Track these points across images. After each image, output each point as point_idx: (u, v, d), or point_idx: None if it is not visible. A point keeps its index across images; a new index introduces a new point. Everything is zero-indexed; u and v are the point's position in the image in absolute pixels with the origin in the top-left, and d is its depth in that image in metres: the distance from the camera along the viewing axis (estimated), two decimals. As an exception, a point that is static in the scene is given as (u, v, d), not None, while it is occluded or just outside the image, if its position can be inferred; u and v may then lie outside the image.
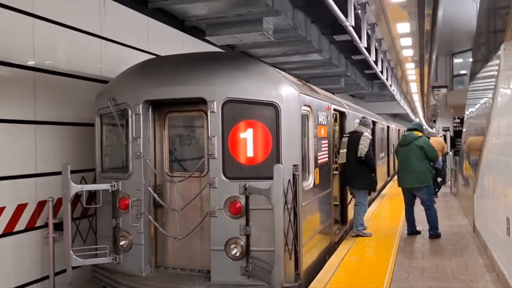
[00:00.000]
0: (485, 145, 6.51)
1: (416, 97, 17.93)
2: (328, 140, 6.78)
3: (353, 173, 7.53)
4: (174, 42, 9.03)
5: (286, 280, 5.06)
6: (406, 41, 8.83)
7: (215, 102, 5.12)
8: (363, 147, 7.36)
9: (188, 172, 5.53)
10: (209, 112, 5.12)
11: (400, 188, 7.99)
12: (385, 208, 10.51)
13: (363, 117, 8.51)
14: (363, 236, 7.54)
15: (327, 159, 6.69)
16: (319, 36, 12.06)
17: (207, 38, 9.45)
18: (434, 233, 7.55)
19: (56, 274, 5.85)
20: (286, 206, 4.95)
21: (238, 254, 5.07)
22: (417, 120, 31.79)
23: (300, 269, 5.22)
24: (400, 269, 5.74)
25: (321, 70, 15.70)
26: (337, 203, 8.50)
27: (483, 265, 5.89)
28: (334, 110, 7.45)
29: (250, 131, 5.13)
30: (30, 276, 5.83)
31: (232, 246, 5.10)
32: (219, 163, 5.14)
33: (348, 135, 7.76)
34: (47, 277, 5.89)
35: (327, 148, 6.67)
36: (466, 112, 10.19)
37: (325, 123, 6.60)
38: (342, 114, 8.37)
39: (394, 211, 9.82)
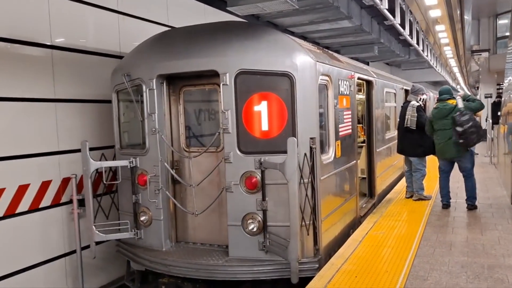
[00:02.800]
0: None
1: (453, 63, 16.92)
2: (352, 111, 6.48)
3: (405, 141, 7.80)
4: (195, 14, 8.85)
5: (306, 255, 4.98)
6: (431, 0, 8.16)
7: (227, 75, 4.96)
8: (409, 117, 7.58)
9: (205, 148, 5.45)
10: (221, 85, 4.97)
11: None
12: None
13: (413, 85, 8.21)
14: (424, 200, 7.89)
15: (350, 131, 6.41)
16: (348, 1, 11.48)
17: (228, 8, 9.20)
18: (472, 203, 7.19)
19: (82, 248, 6.04)
20: (302, 181, 4.80)
21: (255, 230, 4.99)
22: (458, 86, 30.23)
23: (320, 245, 5.10)
24: (427, 244, 5.49)
25: (353, 38, 15.04)
26: (365, 176, 8.26)
27: (518, 239, 5.55)
28: (359, 79, 7.10)
29: (264, 104, 4.95)
30: (58, 251, 6.04)
31: (249, 221, 5.03)
32: (234, 137, 5.01)
33: (402, 105, 8.11)
34: (74, 252, 6.09)
35: (350, 120, 6.39)
36: (505, 79, 9.50)
37: (348, 93, 6.30)
38: (369, 83, 7.99)
39: (426, 185, 9.43)
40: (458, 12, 9.05)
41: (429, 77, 28.18)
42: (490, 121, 13.48)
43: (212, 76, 5.15)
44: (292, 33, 13.51)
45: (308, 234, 4.91)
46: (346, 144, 6.22)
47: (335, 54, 6.72)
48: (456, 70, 19.45)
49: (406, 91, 11.24)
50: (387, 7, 8.52)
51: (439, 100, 7.37)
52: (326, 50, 6.51)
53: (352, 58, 14.60)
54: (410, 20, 10.47)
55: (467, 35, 15.62)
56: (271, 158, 4.85)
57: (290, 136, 4.81)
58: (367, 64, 19.52)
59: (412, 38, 11.30)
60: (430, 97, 19.97)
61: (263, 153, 4.94)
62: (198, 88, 5.58)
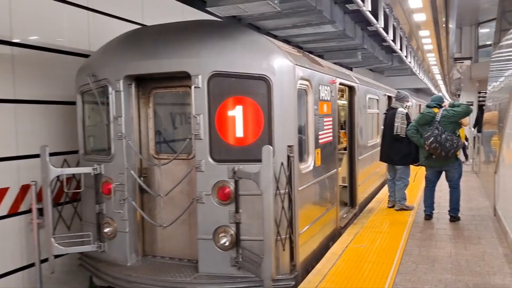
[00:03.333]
0: (508, 120, 5.83)
1: (436, 70, 16.88)
2: (333, 118, 6.19)
3: (391, 149, 7.63)
4: (172, 14, 8.47)
5: (281, 272, 4.65)
6: (416, 3, 7.96)
7: (199, 77, 4.61)
8: (399, 124, 7.45)
9: (175, 155, 5.07)
10: (193, 87, 4.62)
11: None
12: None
13: (398, 92, 8.02)
14: (406, 210, 7.68)
15: (331, 138, 6.12)
16: (331, 5, 11.26)
17: (208, 9, 8.86)
18: (455, 215, 6.97)
19: (42, 261, 5.57)
20: (278, 192, 4.47)
21: (227, 244, 4.64)
22: (440, 94, 30.50)
23: (296, 260, 4.77)
24: (409, 259, 5.22)
25: (336, 43, 14.85)
26: (346, 184, 7.98)
27: (502, 254, 5.31)
28: (341, 84, 6.83)
29: (239, 109, 4.61)
30: (15, 264, 5.55)
31: (221, 235, 4.67)
32: (206, 144, 4.66)
33: (385, 111, 7.98)
34: (33, 265, 5.62)
35: (331, 126, 6.10)
36: (489, 87, 9.39)
37: (329, 98, 6.01)
38: (351, 89, 7.73)
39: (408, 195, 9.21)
40: (444, 19, 8.90)
41: (412, 84, 28.27)
42: (473, 129, 13.41)
43: (184, 78, 4.79)
44: (275, 37, 13.23)
45: (284, 249, 4.58)
46: (326, 152, 5.93)
47: (316, 58, 6.43)
48: (438, 77, 19.47)
49: (389, 98, 11.08)
50: (369, 9, 8.29)
51: (427, 106, 7.18)
52: (307, 53, 6.22)
53: (335, 63, 14.37)
54: (393, 25, 10.27)
55: (451, 43, 15.61)
56: (246, 167, 4.52)
57: (266, 143, 4.50)
58: (351, 69, 19.40)
59: (395, 44, 11.11)
60: (413, 104, 19.98)
61: (237, 162, 4.60)
62: (170, 91, 5.22)
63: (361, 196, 8.16)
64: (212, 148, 4.66)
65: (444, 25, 9.24)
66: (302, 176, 5.00)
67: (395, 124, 7.53)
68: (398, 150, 7.58)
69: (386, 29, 10.94)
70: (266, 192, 4.15)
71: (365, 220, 7.19)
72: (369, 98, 8.94)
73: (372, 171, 9.26)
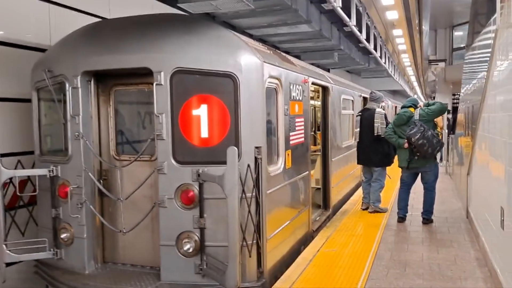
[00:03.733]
0: (479, 122, 5.76)
1: (411, 71, 17.02)
2: (305, 118, 6.01)
3: (369, 151, 7.53)
4: (142, 9, 8.10)
5: (247, 280, 4.42)
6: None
7: (162, 73, 4.34)
8: (379, 124, 7.35)
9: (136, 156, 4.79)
10: (154, 84, 4.35)
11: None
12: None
13: (372, 92, 7.92)
14: (380, 212, 7.59)
15: (303, 139, 5.94)
16: (307, 4, 11.12)
17: (179, 5, 8.58)
18: (428, 218, 6.90)
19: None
20: (244, 195, 4.25)
21: (191, 250, 4.39)
22: (415, 96, 30.88)
23: (264, 267, 4.56)
24: (380, 264, 5.07)
25: (312, 43, 14.75)
26: (319, 186, 7.83)
27: (474, 258, 5.22)
28: (314, 84, 6.66)
29: (204, 108, 4.37)
30: (-36, 272, 5.17)
31: (185, 241, 4.41)
32: (168, 145, 4.40)
33: (360, 113, 7.80)
34: (-15, 273, 5.24)
35: (303, 127, 5.92)
36: (462, 89, 9.41)
37: (300, 98, 5.82)
38: (325, 89, 7.58)
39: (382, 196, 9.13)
40: (417, 19, 8.86)
41: (388, 86, 28.54)
42: (446, 131, 13.51)
43: (146, 74, 4.50)
44: (251, 36, 13.03)
45: (250, 256, 4.36)
46: (298, 153, 5.74)
47: (288, 57, 6.24)
48: (413, 79, 19.64)
49: (365, 99, 11.01)
50: (340, 5, 8.17)
51: (402, 107, 7.10)
52: (278, 51, 6.02)
53: (312, 64, 14.28)
54: (367, 23, 10.17)
55: (425, 45, 15.72)
56: (211, 169, 4.27)
57: (232, 144, 4.26)
58: (328, 71, 19.37)
59: (369, 43, 11.04)
60: (389, 105, 20.08)
61: (202, 164, 4.36)
62: (131, 88, 4.93)
63: (335, 198, 8.02)
64: (175, 149, 4.40)
65: (417, 27, 9.20)
66: (271, 179, 4.79)
67: (375, 124, 7.43)
68: (378, 151, 7.49)
69: (360, 28, 10.88)
70: (231, 196, 3.91)
71: (338, 222, 7.04)
72: (343, 98, 8.82)
73: (346, 173, 9.14)
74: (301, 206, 6.01)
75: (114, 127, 4.97)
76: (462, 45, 19.61)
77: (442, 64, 18.32)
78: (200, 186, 4.33)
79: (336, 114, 8.09)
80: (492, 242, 4.71)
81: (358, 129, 7.83)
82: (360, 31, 11.58)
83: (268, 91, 4.77)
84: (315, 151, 9.29)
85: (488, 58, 5.10)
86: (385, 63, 15.20)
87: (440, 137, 6.92)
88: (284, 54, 6.15)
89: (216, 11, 10.08)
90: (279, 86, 5.04)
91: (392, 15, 8.28)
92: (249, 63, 4.39)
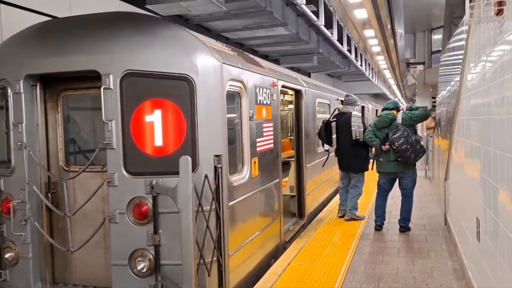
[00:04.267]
0: (455, 125, 5.52)
1: (388, 74, 16.91)
2: (274, 123, 5.69)
3: (348, 156, 7.27)
4: (106, 11, 7.74)
5: (208, 300, 4.05)
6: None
7: (111, 76, 3.98)
8: (356, 128, 7.08)
9: (88, 166, 4.40)
10: (102, 88, 3.98)
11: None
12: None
13: (347, 95, 7.62)
14: (356, 220, 7.33)
15: (272, 145, 5.61)
16: (283, 6, 10.85)
17: (148, 7, 8.20)
18: (405, 226, 6.63)
19: None
20: (201, 209, 3.89)
21: (145, 270, 4.01)
22: (396, 99, 30.95)
23: (226, 286, 4.20)
24: (353, 278, 4.76)
25: (291, 46, 14.49)
26: (294, 194, 7.52)
27: (451, 270, 4.95)
28: (284, 87, 6.35)
29: (157, 113, 4.00)
30: None
31: (138, 259, 4.03)
32: (119, 154, 4.02)
33: (335, 118, 7.47)
34: None
35: (271, 133, 5.59)
36: (439, 92, 9.23)
37: (268, 102, 5.50)
38: (298, 93, 7.28)
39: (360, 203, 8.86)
40: (388, 19, 8.64)
41: (369, 89, 28.54)
42: (425, 133, 13.37)
43: (96, 78, 4.11)
44: (227, 39, 12.71)
45: (209, 275, 3.99)
46: (266, 160, 5.41)
47: (256, 59, 5.92)
48: (392, 82, 19.57)
49: (343, 102, 10.77)
50: (304, 2, 7.90)
51: (383, 109, 6.81)
52: (242, 52, 5.69)
53: (291, 68, 14.02)
54: (337, 21, 9.91)
55: (401, 47, 15.62)
56: (166, 181, 3.92)
57: (189, 153, 3.93)
58: (309, 75, 19.16)
59: (342, 45, 10.79)
60: (369, 109, 19.96)
61: (156, 174, 3.99)
62: (81, 93, 4.54)
63: (310, 206, 7.71)
64: (126, 159, 4.03)
65: (389, 26, 8.99)
66: (233, 189, 4.45)
67: (353, 128, 7.14)
68: (358, 156, 7.22)
69: (330, 26, 10.64)
70: (184, 211, 3.55)
71: (313, 232, 6.73)
72: (319, 102, 8.55)
73: (323, 179, 8.84)
74: (272, 216, 5.67)
75: (63, 136, 4.56)
76: (440, 48, 19.66)
77: (420, 67, 18.29)
78: (154, 199, 3.96)
79: (310, 118, 7.80)
80: (469, 254, 4.44)
81: (335, 135, 7.52)
82: (334, 34, 11.39)
83: (230, 95, 4.44)
84: (291, 157, 8.97)
85: (461, 60, 4.87)
86: (361, 65, 15.03)
87: (421, 142, 6.68)
88: (250, 56, 5.83)
89: (187, 13, 9.75)
90: (242, 90, 4.71)
91: (361, 14, 8.05)
92: (206, 64, 4.05)
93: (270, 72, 5.79)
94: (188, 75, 3.96)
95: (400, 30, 10.11)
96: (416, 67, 18.14)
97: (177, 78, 3.97)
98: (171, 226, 3.98)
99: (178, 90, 4.00)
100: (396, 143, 6.19)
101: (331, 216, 7.77)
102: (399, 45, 12.27)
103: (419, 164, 13.77)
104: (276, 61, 15.41)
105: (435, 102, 20.64)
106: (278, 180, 5.88)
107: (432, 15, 18.21)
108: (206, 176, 3.95)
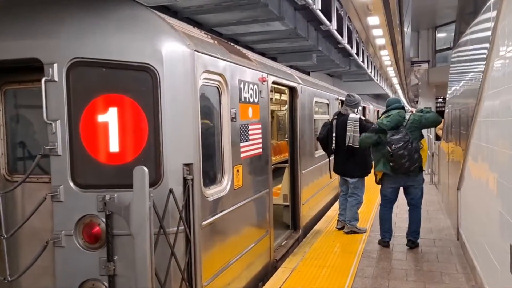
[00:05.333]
0: (474, 129, 4.75)
1: (393, 72, 16.15)
2: (263, 125, 4.92)
3: (345, 161, 6.60)
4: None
5: None
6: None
7: (55, 66, 3.22)
8: (351, 133, 6.34)
9: (36, 176, 3.64)
10: (43, 81, 3.21)
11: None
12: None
13: (348, 95, 6.83)
14: (357, 233, 6.58)
15: (260, 150, 4.84)
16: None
17: (129, -4, 7.45)
18: (415, 240, 5.86)
19: None
20: (163, 232, 3.13)
21: (97, 305, 3.24)
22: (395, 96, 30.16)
23: (198, 324, 3.43)
24: (354, 311, 3.99)
25: (288, 43, 13.63)
26: (288, 203, 6.74)
27: (470, 299, 4.19)
28: (276, 83, 5.58)
29: (113, 112, 3.24)
30: None
31: (89, 292, 3.27)
32: (65, 162, 3.26)
33: (335, 117, 6.69)
34: None
35: (259, 136, 4.82)
36: (449, 91, 8.45)
37: (256, 100, 4.74)
38: (293, 90, 6.51)
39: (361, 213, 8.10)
40: (397, 6, 7.86)
41: (371, 90, 27.76)
42: (431, 136, 12.59)
43: (42, 68, 3.37)
44: (220, 35, 11.91)
45: (175, 313, 3.23)
46: (252, 168, 4.65)
47: (244, 50, 5.15)
48: (395, 81, 18.80)
49: (343, 102, 9.99)
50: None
51: (390, 109, 5.97)
52: (225, 41, 4.92)
53: (290, 66, 13.22)
54: (336, 7, 9.11)
55: (407, 46, 14.85)
56: (122, 196, 3.16)
57: (152, 161, 3.21)
58: (308, 74, 18.39)
59: (342, 37, 9.99)
60: (371, 109, 19.21)
61: (111, 188, 3.23)
62: (27, 87, 3.77)
63: (306, 216, 6.94)
64: (74, 168, 3.27)
65: (397, 13, 8.20)
66: (209, 205, 3.67)
67: (347, 133, 6.39)
68: (356, 159, 6.49)
69: (329, 17, 9.85)
70: (139, 236, 2.80)
71: (308, 248, 5.95)
72: (316, 101, 7.78)
73: (320, 185, 8.07)
74: (259, 232, 4.90)
75: (6, 139, 3.80)
76: (445, 47, 18.88)
77: (425, 66, 17.51)
78: (108, 218, 3.19)
79: (307, 119, 7.03)
80: (496, 285, 3.65)
81: (335, 135, 6.74)
82: (341, 34, 10.62)
83: (205, 90, 3.68)
84: (285, 162, 8.20)
85: (485, 52, 4.10)
86: (362, 61, 14.25)
87: (426, 147, 5.87)
88: (237, 47, 5.06)
89: (175, 4, 9.00)
90: (222, 84, 3.94)
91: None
92: (173, 52, 3.28)
93: (259, 66, 5.02)
94: (150, 65, 3.20)
95: (408, 19, 9.28)
96: (420, 65, 17.35)
97: (136, 69, 3.21)
98: (129, 251, 3.20)
99: (137, 84, 3.24)
100: (393, 146, 5.45)
101: (329, 227, 7.00)
102: (405, 41, 11.48)
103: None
104: (273, 59, 14.64)
105: (439, 102, 19.88)
106: (267, 190, 5.11)
107: (437, 12, 17.47)
108: (171, 191, 3.18)
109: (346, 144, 6.41)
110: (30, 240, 3.69)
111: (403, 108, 5.97)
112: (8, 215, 3.80)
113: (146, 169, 2.81)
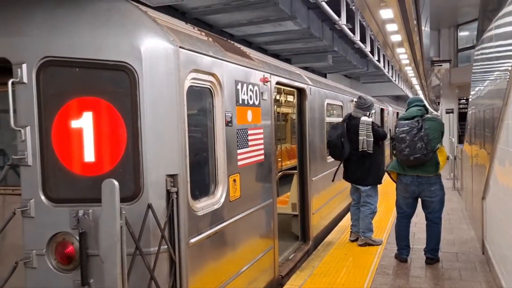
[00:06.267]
0: (501, 132, 4.25)
1: (412, 73, 15.51)
2: (265, 129, 4.52)
3: (356, 168, 6.16)
4: None
5: None
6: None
7: (24, 66, 2.90)
8: (364, 137, 5.91)
9: (11, 187, 3.33)
10: (10, 82, 2.88)
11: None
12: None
13: (359, 98, 6.39)
14: (372, 245, 6.10)
15: (262, 157, 4.44)
16: (291, -3, 9.66)
17: (134, -4, 7.16)
18: (434, 257, 5.35)
19: None
20: (140, 253, 2.75)
21: (71, 334, 2.89)
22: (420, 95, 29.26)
23: None
24: None
25: (302, 44, 13.25)
26: (297, 213, 6.31)
27: (499, 327, 3.68)
28: (280, 84, 5.17)
29: (87, 117, 2.89)
30: None
31: (62, 319, 2.92)
32: (36, 173, 2.93)
33: (346, 120, 6.25)
34: None
35: (261, 142, 4.42)
36: (472, 91, 7.89)
37: (257, 103, 4.33)
38: (301, 92, 6.08)
39: (377, 222, 7.61)
40: (413, 8, 7.36)
41: (390, 91, 27.02)
42: (453, 139, 11.96)
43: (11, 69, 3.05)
44: (231, 36, 11.60)
45: None
46: (253, 177, 4.25)
47: (244, 48, 4.75)
48: (414, 81, 18.10)
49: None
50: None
51: (411, 107, 5.45)
52: (225, 39, 4.53)
53: (305, 68, 12.79)
54: (347, 2, 8.66)
55: (426, 45, 14.21)
56: (98, 211, 2.79)
57: (131, 171, 2.86)
58: (325, 75, 17.90)
59: (354, 34, 9.48)
60: (390, 111, 18.58)
61: (86, 202, 2.87)
62: (2, 90, 3.46)
63: (316, 227, 6.48)
64: (46, 179, 2.93)
65: (414, 13, 7.69)
66: (199, 220, 3.28)
67: (360, 137, 5.93)
68: (367, 165, 6.03)
69: (352, 26, 9.39)
70: (108, 260, 2.43)
71: (318, 262, 5.50)
72: (328, 103, 7.32)
73: (333, 193, 7.59)
74: (262, 247, 4.48)
75: (-20, 146, 3.51)
76: (468, 45, 18.11)
77: (446, 65, 16.78)
78: (81, 236, 2.83)
79: (317, 122, 6.59)
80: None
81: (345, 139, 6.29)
82: (354, 31, 10.14)
83: (194, 91, 3.30)
84: (293, 168, 7.78)
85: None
86: (378, 60, 13.72)
87: (445, 154, 5.34)
88: (236, 44, 4.67)
89: (182, 5, 8.73)
90: (215, 85, 3.56)
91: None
92: (154, 48, 2.91)
93: (261, 65, 4.61)
94: (127, 63, 2.84)
95: (426, 14, 8.71)
96: (441, 65, 16.65)
97: (112, 68, 2.86)
98: (106, 273, 2.84)
99: (114, 85, 2.89)
100: (397, 129, 5.13)
101: (342, 238, 6.53)
102: (423, 39, 10.90)
103: (444, 172, 12.36)
104: (287, 61, 14.25)
105: (462, 104, 19.10)
106: (271, 200, 4.69)
107: (459, 10, 16.76)
108: (149, 206, 2.80)
109: (360, 150, 5.96)
110: (7, 258, 3.37)
111: (424, 106, 5.47)
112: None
113: (116, 182, 2.45)
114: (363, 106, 6.23)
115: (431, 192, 5.21)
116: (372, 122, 6.02)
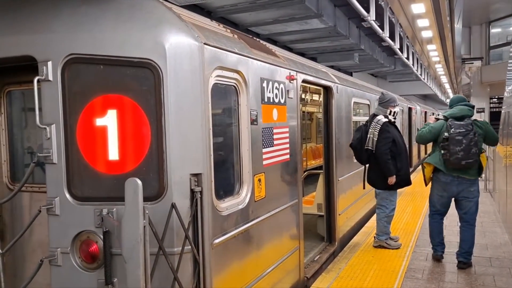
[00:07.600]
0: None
1: (441, 71, 15.07)
2: (291, 128, 4.42)
3: (370, 169, 6.01)
4: None
5: None
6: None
7: (49, 64, 2.89)
8: (371, 136, 5.68)
9: (38, 185, 3.36)
10: (35, 81, 2.88)
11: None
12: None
13: (381, 93, 6.17)
14: (388, 248, 5.90)
15: (288, 156, 4.34)
16: (318, -5, 9.50)
17: (160, -6, 7.19)
18: (467, 261, 5.14)
19: None
20: (163, 253, 2.71)
21: (95, 333, 2.87)
22: (447, 100, 28.45)
23: None
24: None
25: (329, 42, 13.07)
26: (322, 213, 6.18)
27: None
28: (306, 82, 5.05)
29: (112, 114, 2.87)
30: None
31: (87, 318, 2.91)
32: (61, 171, 2.92)
33: (369, 120, 6.04)
34: None
35: (287, 140, 4.32)
36: (507, 88, 7.57)
37: (283, 101, 4.24)
38: (328, 90, 5.95)
39: (405, 224, 7.41)
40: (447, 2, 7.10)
41: (418, 90, 26.40)
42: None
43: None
44: (257, 35, 11.52)
45: None
46: (278, 176, 4.16)
47: (269, 46, 4.67)
48: (444, 79, 17.60)
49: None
50: None
51: (457, 104, 5.18)
52: (250, 36, 4.45)
53: (331, 66, 12.60)
54: (381, 8, 8.45)
55: (457, 42, 13.79)
56: (122, 210, 2.76)
57: (155, 170, 2.81)
58: (351, 74, 17.60)
59: (383, 31, 9.24)
60: (418, 110, 18.12)
61: (109, 201, 2.85)
62: (28, 88, 3.48)
63: (342, 228, 6.34)
64: (70, 177, 2.92)
65: (447, 6, 7.42)
66: (223, 220, 3.22)
67: (368, 135, 5.68)
68: (377, 171, 5.76)
69: (381, 23, 9.16)
70: (131, 260, 2.39)
71: (344, 264, 5.37)
72: (355, 102, 7.16)
73: (359, 194, 7.42)
74: (287, 248, 4.39)
75: (8, 144, 3.54)
76: (500, 42, 17.48)
77: (478, 63, 16.22)
78: (105, 235, 2.81)
79: (344, 121, 6.44)
80: None
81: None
82: (382, 28, 9.89)
83: (219, 89, 3.23)
84: (319, 168, 7.65)
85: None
86: (407, 58, 13.38)
87: (484, 160, 5.12)
88: (262, 42, 4.59)
89: (208, 4, 8.73)
90: (240, 83, 3.48)
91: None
92: (178, 45, 2.86)
93: (287, 63, 4.52)
94: (151, 60, 2.80)
95: (459, 8, 8.39)
96: (472, 63, 16.11)
97: (137, 65, 2.82)
98: (130, 272, 2.81)
99: (138, 82, 2.85)
100: (452, 129, 4.81)
101: (368, 240, 6.36)
102: (455, 35, 10.54)
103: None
104: (313, 59, 14.07)
105: (493, 103, 18.46)
106: (296, 200, 4.59)
107: (491, 6, 16.18)
108: (173, 206, 2.75)
109: (366, 147, 5.72)
110: (31, 255, 3.41)
111: (473, 106, 5.23)
112: (14, 227, 3.57)
113: (139, 181, 2.41)
114: (382, 101, 5.97)
115: (470, 192, 5.04)
116: (385, 123, 5.66)
